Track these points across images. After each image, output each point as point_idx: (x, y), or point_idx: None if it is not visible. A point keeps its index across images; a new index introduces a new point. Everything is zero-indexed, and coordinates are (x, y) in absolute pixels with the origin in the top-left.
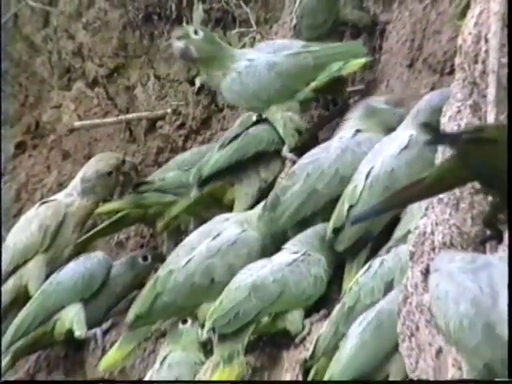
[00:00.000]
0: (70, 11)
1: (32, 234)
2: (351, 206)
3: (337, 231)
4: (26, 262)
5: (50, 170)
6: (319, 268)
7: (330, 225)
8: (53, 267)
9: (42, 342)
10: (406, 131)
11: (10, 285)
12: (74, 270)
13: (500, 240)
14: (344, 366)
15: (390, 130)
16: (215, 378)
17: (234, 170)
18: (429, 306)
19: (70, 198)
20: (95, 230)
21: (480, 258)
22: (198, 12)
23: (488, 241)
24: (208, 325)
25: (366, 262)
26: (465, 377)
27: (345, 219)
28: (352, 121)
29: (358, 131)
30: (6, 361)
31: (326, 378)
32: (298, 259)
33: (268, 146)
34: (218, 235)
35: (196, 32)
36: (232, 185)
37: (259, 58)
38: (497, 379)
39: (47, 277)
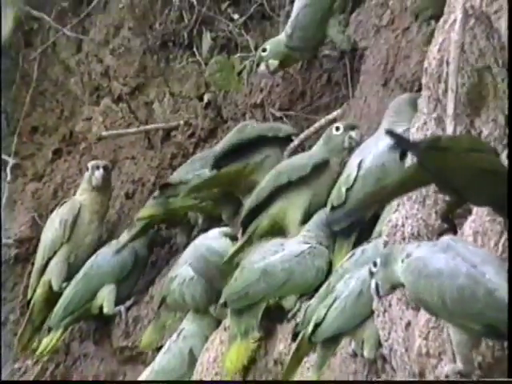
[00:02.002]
0: (99, 39)
1: (56, 230)
2: (347, 189)
3: (334, 211)
4: (55, 253)
5: (82, 173)
6: (322, 261)
7: (329, 204)
8: (77, 254)
9: (83, 316)
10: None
11: (41, 281)
12: (110, 254)
13: (455, 232)
14: (328, 324)
15: (342, 150)
16: (232, 350)
17: (246, 151)
18: (408, 287)
19: (83, 194)
20: (129, 238)
21: (436, 243)
22: (207, 39)
23: (445, 233)
24: (222, 298)
25: (354, 243)
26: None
27: (343, 199)
28: (315, 147)
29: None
30: (58, 333)
31: (311, 324)
32: (305, 251)
33: (267, 132)
34: (192, 263)
35: None
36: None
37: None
38: (497, 379)
39: (72, 265)
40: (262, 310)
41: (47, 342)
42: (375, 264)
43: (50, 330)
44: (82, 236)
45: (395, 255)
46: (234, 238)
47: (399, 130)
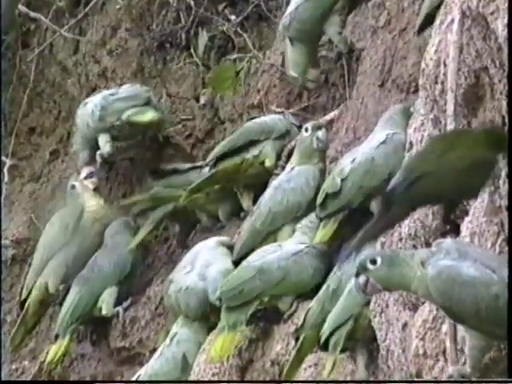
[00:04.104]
0: (96, 40)
1: (56, 232)
2: (342, 179)
3: (325, 199)
4: (53, 255)
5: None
6: (320, 262)
7: (322, 193)
8: (75, 258)
9: (87, 320)
10: (384, 131)
11: (37, 283)
12: (109, 256)
13: (457, 233)
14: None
15: (313, 152)
16: (218, 340)
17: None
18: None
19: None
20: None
21: (448, 249)
22: (203, 38)
23: (448, 234)
24: (217, 294)
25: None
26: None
27: (338, 188)
28: (293, 156)
29: (292, 168)
30: (65, 340)
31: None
32: (303, 251)
33: (259, 136)
34: (189, 272)
35: None
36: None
37: None
38: (496, 379)
39: (70, 268)
40: (253, 307)
41: (56, 350)
42: (374, 262)
43: (56, 337)
44: (82, 240)
45: (404, 259)
46: (230, 247)
47: (389, 132)
